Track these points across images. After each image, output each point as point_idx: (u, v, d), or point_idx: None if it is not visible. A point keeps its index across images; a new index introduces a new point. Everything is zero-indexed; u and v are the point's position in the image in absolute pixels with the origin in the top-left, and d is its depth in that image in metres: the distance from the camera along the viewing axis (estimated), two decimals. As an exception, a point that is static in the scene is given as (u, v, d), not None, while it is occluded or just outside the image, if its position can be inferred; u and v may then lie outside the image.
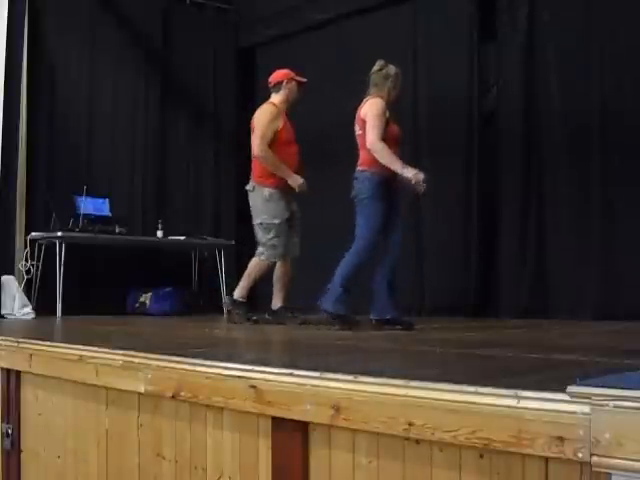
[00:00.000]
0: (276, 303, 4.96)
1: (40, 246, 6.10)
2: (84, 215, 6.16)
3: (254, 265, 4.88)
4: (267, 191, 4.85)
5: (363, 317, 4.34)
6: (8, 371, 3.24)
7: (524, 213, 5.63)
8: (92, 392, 2.76)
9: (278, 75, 5.02)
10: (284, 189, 4.84)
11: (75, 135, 6.67)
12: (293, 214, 4.91)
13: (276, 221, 4.80)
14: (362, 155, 4.33)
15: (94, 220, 6.27)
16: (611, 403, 1.39)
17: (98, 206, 6.44)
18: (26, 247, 6.05)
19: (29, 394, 3.17)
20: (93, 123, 6.80)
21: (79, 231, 6.06)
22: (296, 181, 4.79)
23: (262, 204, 4.86)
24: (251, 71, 7.84)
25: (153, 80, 7.29)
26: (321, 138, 6.42)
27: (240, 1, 7.84)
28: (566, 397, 1.46)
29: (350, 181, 4.36)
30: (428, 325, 4.60)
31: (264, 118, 4.86)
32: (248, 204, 7.69)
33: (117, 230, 6.35)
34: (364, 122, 4.29)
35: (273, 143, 4.82)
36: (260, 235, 4.86)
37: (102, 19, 6.86)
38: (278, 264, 4.90)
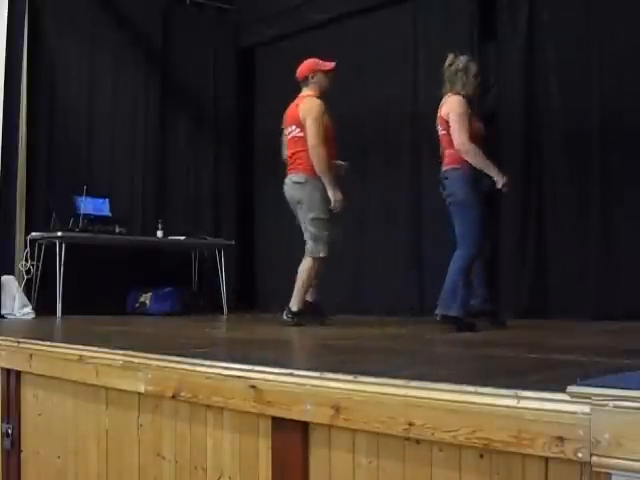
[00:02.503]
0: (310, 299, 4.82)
1: (40, 246, 6.10)
2: (84, 215, 6.16)
3: (308, 267, 4.65)
4: (315, 180, 4.64)
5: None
6: (8, 371, 3.24)
7: (524, 213, 5.63)
8: (92, 392, 2.76)
9: (303, 69, 4.86)
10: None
11: (75, 135, 6.66)
12: None
13: (324, 216, 4.65)
14: (450, 154, 4.23)
15: (94, 220, 6.26)
16: (611, 403, 1.39)
17: (98, 206, 6.44)
18: (26, 247, 6.05)
19: (29, 394, 3.17)
20: (93, 123, 6.80)
21: (79, 231, 6.06)
22: (337, 197, 4.61)
23: (313, 194, 4.66)
24: (251, 71, 7.85)
25: (153, 80, 7.28)
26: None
27: (240, 1, 7.83)
28: (566, 397, 1.46)
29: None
30: (428, 325, 4.60)
31: (316, 111, 4.65)
32: (249, 204, 7.78)
33: (117, 230, 6.35)
34: (447, 122, 4.19)
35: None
36: (314, 230, 4.64)
37: (102, 19, 6.85)
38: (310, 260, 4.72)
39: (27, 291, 5.97)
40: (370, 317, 5.15)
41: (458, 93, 4.26)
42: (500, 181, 4.11)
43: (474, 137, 4.18)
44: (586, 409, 1.41)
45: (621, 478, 1.38)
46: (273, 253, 7.31)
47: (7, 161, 6.02)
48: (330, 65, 4.86)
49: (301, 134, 4.70)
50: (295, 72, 4.96)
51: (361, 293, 6.12)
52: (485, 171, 4.12)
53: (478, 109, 4.61)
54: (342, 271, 6.56)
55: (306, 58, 4.98)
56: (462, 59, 4.33)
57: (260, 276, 7.63)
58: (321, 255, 4.65)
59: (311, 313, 4.72)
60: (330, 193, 4.63)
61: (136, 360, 2.50)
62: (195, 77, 7.59)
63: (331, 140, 4.78)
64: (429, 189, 5.91)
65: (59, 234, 5.90)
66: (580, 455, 1.42)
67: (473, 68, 4.34)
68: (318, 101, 4.77)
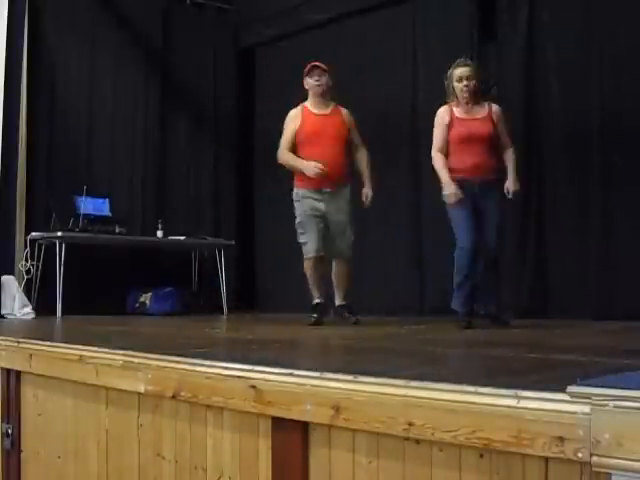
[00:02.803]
0: (335, 302, 5.04)
1: (40, 246, 6.10)
2: (84, 215, 6.17)
3: (305, 269, 4.91)
4: (294, 192, 4.90)
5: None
6: (8, 371, 3.24)
7: (524, 213, 5.63)
8: (92, 392, 2.76)
9: None
10: (310, 189, 4.82)
11: (75, 135, 6.67)
12: (325, 215, 4.85)
13: (298, 219, 4.85)
14: None
15: (94, 220, 6.27)
16: (611, 403, 1.39)
17: (98, 206, 6.44)
18: (26, 247, 6.05)
19: (29, 394, 3.16)
20: (93, 123, 6.81)
21: (79, 231, 6.06)
22: (307, 168, 4.71)
23: (294, 205, 4.92)
24: (251, 71, 7.85)
25: (153, 80, 7.29)
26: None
27: (240, 1, 7.84)
28: (566, 397, 1.46)
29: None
30: (428, 325, 4.60)
31: (285, 122, 4.91)
32: (249, 204, 7.80)
33: (117, 230, 6.36)
34: None
35: (296, 145, 4.84)
36: (298, 235, 4.91)
37: (102, 19, 6.86)
38: (332, 264, 4.97)
39: (27, 291, 5.98)
40: (370, 317, 5.15)
41: (446, 103, 4.43)
42: (446, 192, 4.27)
43: (456, 143, 4.32)
44: (586, 409, 1.41)
45: (621, 478, 1.38)
46: (273, 253, 7.31)
47: (7, 161, 6.03)
48: (306, 68, 4.89)
49: None
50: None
51: (361, 293, 6.11)
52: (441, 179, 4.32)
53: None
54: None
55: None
56: (451, 69, 4.41)
57: (260, 276, 7.63)
58: (306, 256, 4.84)
59: (337, 315, 4.99)
60: (304, 170, 4.73)
61: (136, 360, 2.50)
62: (195, 77, 7.60)
63: (314, 139, 4.80)
64: (429, 189, 5.90)
65: (59, 234, 5.90)
66: (580, 455, 1.41)
67: (456, 73, 4.39)
68: (292, 110, 4.92)
